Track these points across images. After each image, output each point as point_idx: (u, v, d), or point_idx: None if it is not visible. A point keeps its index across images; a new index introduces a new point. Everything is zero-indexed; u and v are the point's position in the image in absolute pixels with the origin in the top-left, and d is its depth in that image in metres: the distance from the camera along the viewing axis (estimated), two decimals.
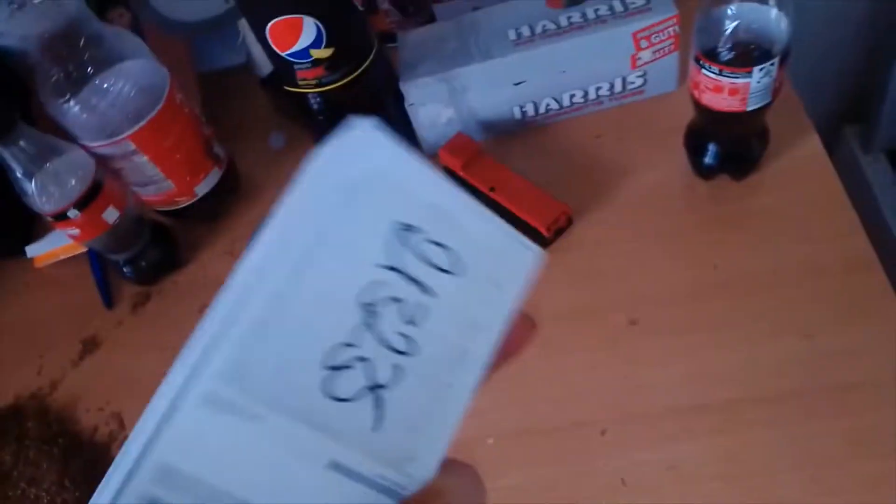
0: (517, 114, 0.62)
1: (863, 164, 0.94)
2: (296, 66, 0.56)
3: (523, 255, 0.23)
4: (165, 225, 0.67)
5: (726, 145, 0.54)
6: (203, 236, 0.68)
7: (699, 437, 0.46)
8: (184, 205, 0.64)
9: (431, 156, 0.64)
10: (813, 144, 0.56)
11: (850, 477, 0.43)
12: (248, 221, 0.62)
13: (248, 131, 0.73)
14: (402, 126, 0.63)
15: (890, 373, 0.46)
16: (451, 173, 0.61)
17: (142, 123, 0.57)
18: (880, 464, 0.43)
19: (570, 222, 0.57)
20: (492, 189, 0.58)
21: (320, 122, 0.62)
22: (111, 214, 0.58)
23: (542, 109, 0.62)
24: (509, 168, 0.59)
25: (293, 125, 0.71)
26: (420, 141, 0.64)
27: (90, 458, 0.56)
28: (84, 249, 0.69)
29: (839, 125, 1.02)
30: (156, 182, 0.61)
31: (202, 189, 0.64)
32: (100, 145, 0.57)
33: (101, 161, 0.58)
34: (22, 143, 0.53)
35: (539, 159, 0.62)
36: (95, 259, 0.68)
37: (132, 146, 0.58)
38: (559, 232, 0.57)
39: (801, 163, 0.56)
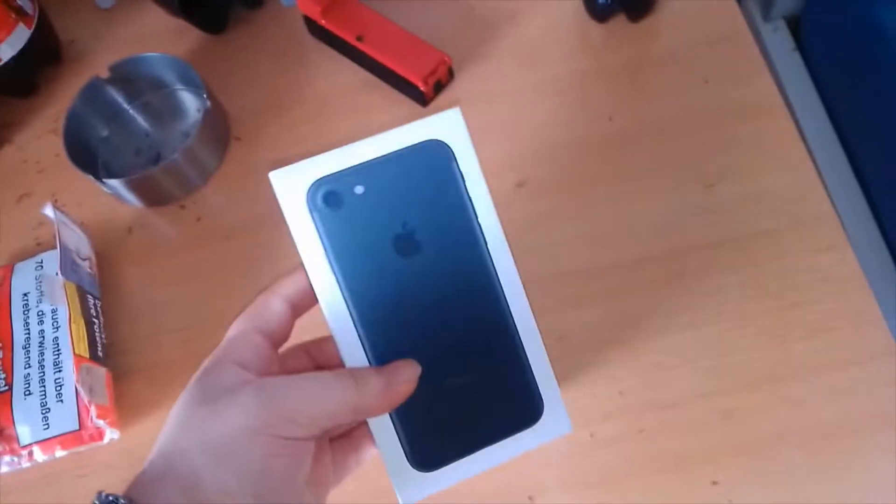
0: None
1: (763, 32, 0.90)
2: None
3: None
4: None
5: None
6: (20, 113, 0.56)
7: (592, 301, 0.41)
8: None
9: (288, 4, 0.55)
10: None
11: (755, 329, 0.40)
12: (72, 94, 0.51)
13: None
14: None
15: (791, 220, 0.42)
16: (311, 23, 0.52)
17: None
18: (784, 313, 0.40)
19: (451, 75, 0.50)
20: (359, 38, 0.49)
21: None
22: None
23: None
24: (379, 13, 0.50)
25: None
26: None
27: None
28: None
29: None
30: None
31: (6, 52, 0.52)
32: None
33: None
34: None
35: (414, 4, 0.53)
36: None
37: None
38: (439, 87, 0.49)
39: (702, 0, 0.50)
